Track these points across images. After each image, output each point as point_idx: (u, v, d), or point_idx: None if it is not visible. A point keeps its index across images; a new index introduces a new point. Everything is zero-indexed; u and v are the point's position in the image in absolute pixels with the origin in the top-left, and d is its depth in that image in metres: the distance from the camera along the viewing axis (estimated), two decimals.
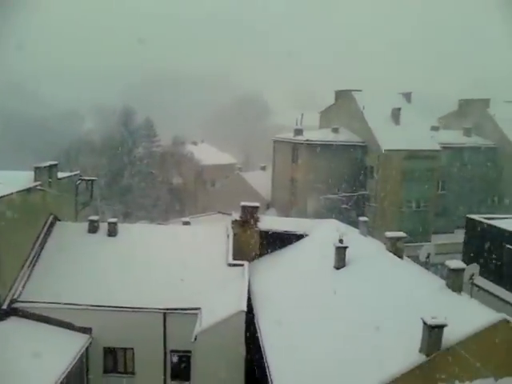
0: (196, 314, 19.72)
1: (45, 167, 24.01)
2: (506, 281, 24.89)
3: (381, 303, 16.41)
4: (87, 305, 20.34)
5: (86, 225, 24.62)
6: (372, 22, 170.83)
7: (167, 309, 20.56)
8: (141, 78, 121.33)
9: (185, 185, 65.77)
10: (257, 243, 24.57)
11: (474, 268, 19.37)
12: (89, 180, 29.42)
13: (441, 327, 12.66)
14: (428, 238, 45.95)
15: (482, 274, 23.14)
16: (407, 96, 52.28)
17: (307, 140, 46.19)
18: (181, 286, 21.19)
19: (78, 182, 28.38)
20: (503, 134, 52.13)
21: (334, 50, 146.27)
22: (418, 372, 12.73)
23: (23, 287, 20.97)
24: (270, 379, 15.27)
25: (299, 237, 25.01)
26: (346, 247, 20.02)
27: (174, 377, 21.22)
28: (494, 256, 25.83)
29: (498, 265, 25.59)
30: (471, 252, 27.71)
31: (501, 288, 24.87)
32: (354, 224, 26.14)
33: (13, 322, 19.68)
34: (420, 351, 12.98)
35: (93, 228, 24.42)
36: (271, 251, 24.71)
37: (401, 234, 20.72)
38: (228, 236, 24.48)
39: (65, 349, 18.79)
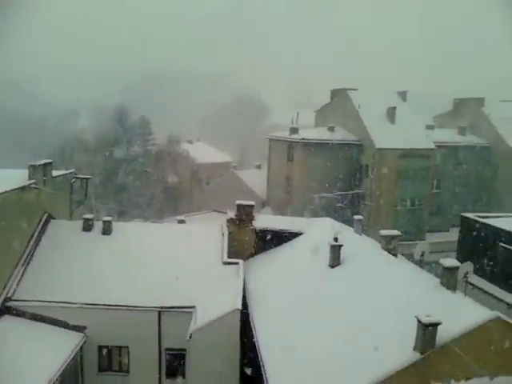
0: (191, 313, 19.71)
1: (39, 165, 23.91)
2: (500, 279, 24.99)
3: (375, 301, 16.45)
4: (82, 303, 20.31)
5: (80, 223, 24.55)
6: (372, 22, 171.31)
7: (162, 307, 20.53)
8: (140, 78, 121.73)
9: (180, 183, 65.71)
10: (252, 242, 24.56)
11: (468, 266, 19.40)
12: (83, 178, 29.32)
13: (435, 325, 12.71)
14: (422, 237, 46.13)
15: (476, 272, 23.19)
16: (402, 95, 52.38)
17: (303, 138, 46.23)
18: (176, 284, 21.18)
19: (73, 180, 28.26)
20: (498, 132, 52.37)
21: (334, 50, 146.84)
22: (413, 370, 12.78)
23: (17, 286, 20.90)
24: (265, 377, 15.29)
25: (294, 235, 25.02)
26: (340, 246, 20.07)
27: (169, 375, 21.22)
28: (488, 254, 25.93)
29: (492, 263, 25.69)
30: (465, 250, 27.81)
31: (495, 286, 24.97)
32: (349, 222, 26.18)
33: (6, 321, 19.60)
34: (414, 349, 13.02)
35: (87, 226, 24.35)
36: (266, 250, 24.69)
37: (395, 232, 20.76)
38: (223, 234, 24.47)
39: (59, 347, 18.74)
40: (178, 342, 19.83)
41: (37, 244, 23.07)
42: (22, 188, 22.08)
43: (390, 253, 19.91)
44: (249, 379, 18.66)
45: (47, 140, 67.03)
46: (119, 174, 58.69)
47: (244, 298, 19.73)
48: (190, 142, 76.44)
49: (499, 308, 16.89)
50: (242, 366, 18.72)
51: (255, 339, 17.55)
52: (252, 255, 24.42)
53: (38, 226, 23.72)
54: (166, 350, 21.00)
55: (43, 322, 20.01)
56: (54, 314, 20.14)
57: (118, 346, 21.02)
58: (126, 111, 62.95)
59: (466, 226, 28.91)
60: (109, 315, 20.30)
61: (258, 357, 16.60)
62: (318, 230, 23.92)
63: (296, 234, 25.03)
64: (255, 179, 54.55)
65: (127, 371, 21.15)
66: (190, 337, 18.08)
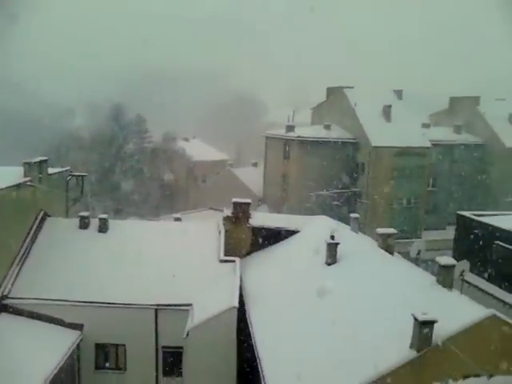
0: (188, 310, 19.71)
1: (35, 163, 23.83)
2: (496, 277, 25.12)
3: (371, 299, 16.49)
4: (78, 301, 20.27)
5: (76, 221, 24.49)
6: (372, 22, 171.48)
7: (159, 305, 20.52)
8: (139, 77, 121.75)
9: (176, 181, 65.57)
10: (248, 239, 24.56)
11: (465, 264, 19.58)
12: (79, 176, 29.25)
13: (431, 323, 12.75)
14: (419, 235, 46.32)
15: (472, 270, 23.41)
16: (398, 93, 52.46)
17: (299, 136, 46.26)
18: (172, 282, 21.15)
19: (69, 177, 28.19)
20: (493, 131, 52.55)
21: (334, 50, 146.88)
22: (409, 368, 12.83)
23: (13, 284, 20.83)
24: (261, 375, 15.31)
25: (291, 233, 25.04)
26: (337, 244, 20.09)
27: (166, 373, 21.21)
28: (484, 252, 26.05)
29: (488, 261, 25.82)
30: (462, 248, 27.95)
31: (491, 284, 25.11)
32: (346, 220, 26.23)
33: (3, 319, 19.54)
34: (411, 347, 13.06)
35: (83, 224, 24.30)
36: (263, 247, 24.70)
37: (392, 230, 20.82)
38: (219, 232, 24.47)
39: (56, 345, 18.70)
40: (174, 340, 19.86)
41: (33, 242, 22.99)
42: (18, 185, 22.00)
43: (386, 251, 19.96)
44: (246, 377, 18.69)
45: (43, 138, 66.88)
46: (115, 171, 58.52)
47: (240, 295, 19.75)
48: (186, 139, 76.26)
49: (495, 306, 16.99)
50: (239, 364, 18.74)
51: (252, 337, 17.57)
52: (248, 253, 24.43)
53: (33, 224, 23.64)
54: (163, 347, 20.99)
55: (40, 319, 19.95)
56: (51, 311, 20.09)
57: (115, 344, 20.99)
58: (122, 109, 62.76)
59: (462, 224, 29.06)
60: (105, 313, 20.28)
61: (254, 355, 16.62)
62: (315, 228, 23.95)
63: (292, 232, 25.05)
64: (251, 177, 54.55)
65: (124, 369, 21.15)
66: (187, 335, 18.10)
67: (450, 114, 57.24)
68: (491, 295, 24.23)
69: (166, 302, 20.52)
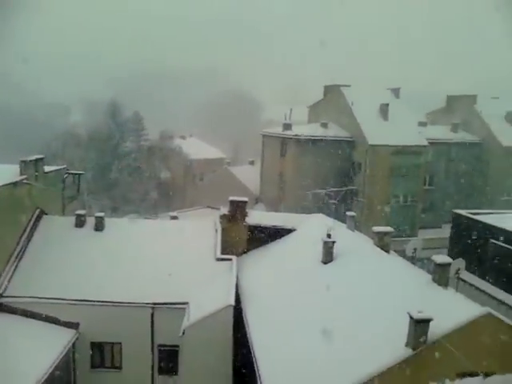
0: (184, 309, 19.70)
1: (31, 161, 23.78)
2: (491, 275, 25.19)
3: (367, 297, 16.53)
4: (74, 299, 20.24)
5: (72, 219, 24.44)
6: (374, 23, 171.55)
7: (155, 303, 20.52)
8: (138, 76, 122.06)
9: (173, 179, 65.53)
10: (245, 238, 24.59)
11: (460, 263, 19.62)
12: (76, 174, 29.20)
13: (427, 321, 12.80)
14: (415, 233, 46.36)
15: (467, 268, 23.46)
16: (396, 92, 52.43)
17: (296, 135, 46.19)
18: (169, 280, 21.15)
19: (65, 175, 28.13)
20: (490, 130, 52.58)
21: (336, 50, 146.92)
22: (405, 366, 12.87)
23: (9, 282, 20.78)
24: (257, 373, 15.33)
25: (287, 231, 25.07)
26: (333, 242, 20.13)
27: (162, 371, 21.22)
28: (479, 251, 26.13)
29: (484, 260, 25.89)
30: (457, 247, 28.01)
31: (486, 282, 25.18)
32: (342, 219, 26.25)
33: None
34: (406, 345, 13.11)
35: (80, 222, 24.26)
36: (259, 246, 24.74)
37: (388, 228, 20.85)
38: (216, 230, 24.46)
39: (51, 344, 18.66)
40: (170, 339, 19.87)
41: (29, 240, 22.95)
42: (14, 184, 21.95)
43: (382, 249, 20.00)
44: (242, 375, 18.70)
45: (40, 135, 66.83)
46: (112, 169, 58.41)
47: (237, 294, 19.76)
48: (183, 137, 76.19)
49: (490, 304, 17.02)
50: (235, 362, 18.75)
51: (248, 336, 17.58)
52: (245, 251, 24.47)
53: (29, 222, 23.59)
54: (159, 346, 20.98)
55: (35, 318, 19.91)
56: (47, 310, 20.05)
57: (111, 343, 20.99)
58: (119, 106, 62.67)
59: (458, 222, 29.12)
60: (101, 311, 20.27)
61: (250, 353, 16.63)
62: (311, 227, 23.99)
63: (289, 231, 25.10)
64: (248, 175, 54.50)
65: (120, 367, 21.14)
66: (183, 333, 18.08)
67: (446, 113, 57.26)
68: (487, 293, 24.30)
69: (163, 301, 20.52)
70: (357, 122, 46.57)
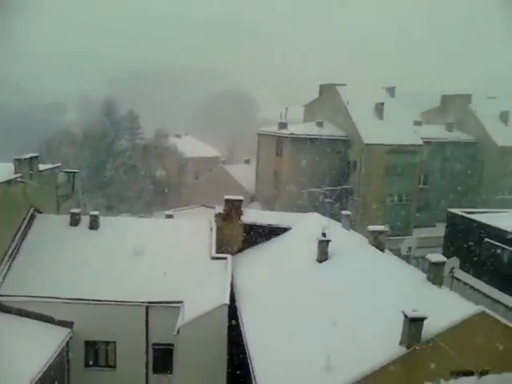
0: (179, 308, 19.66)
1: (25, 159, 23.69)
2: (486, 274, 25.29)
3: (362, 296, 16.56)
4: (68, 298, 20.18)
5: (67, 217, 24.35)
6: (378, 22, 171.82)
7: (150, 302, 20.48)
8: (140, 77, 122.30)
9: (168, 178, 65.38)
10: (240, 236, 24.56)
11: (454, 262, 19.63)
12: (70, 172, 29.10)
13: (421, 320, 12.83)
14: (410, 232, 46.47)
15: (462, 267, 23.49)
16: (391, 91, 52.51)
17: (291, 134, 46.19)
18: (164, 279, 21.10)
19: (60, 174, 28.01)
20: (484, 129, 52.79)
21: (343, 50, 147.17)
22: (399, 364, 12.90)
23: (3, 281, 20.68)
24: (252, 372, 15.32)
25: (282, 230, 25.07)
26: (328, 241, 20.14)
27: (156, 370, 21.17)
28: (473, 250, 26.21)
29: (478, 258, 25.98)
30: (452, 246, 28.10)
31: (480, 281, 25.27)
32: (337, 218, 26.28)
33: None
34: (401, 343, 13.14)
35: (74, 221, 24.17)
36: (255, 245, 24.72)
37: (383, 227, 20.88)
38: (211, 229, 24.43)
39: (45, 343, 18.59)
40: (165, 337, 19.84)
41: (23, 238, 22.84)
42: (8, 182, 21.86)
43: (377, 248, 20.03)
44: (236, 374, 18.69)
45: (38, 134, 66.76)
46: (107, 168, 58.23)
47: (232, 292, 19.74)
48: (178, 136, 76.04)
49: (484, 303, 17.06)
50: (230, 361, 18.73)
51: (243, 335, 17.57)
52: (240, 250, 24.44)
53: (24, 221, 23.48)
54: (154, 345, 20.95)
55: (29, 317, 19.84)
56: (41, 309, 19.98)
57: (105, 341, 20.95)
58: (114, 104, 62.48)
59: (453, 221, 29.20)
60: (96, 310, 20.22)
61: (245, 352, 16.62)
62: (306, 226, 23.99)
63: (284, 229, 25.09)
64: (244, 174, 54.46)
65: (114, 366, 21.08)
66: (178, 332, 18.05)
67: (441, 112, 57.41)
68: (481, 292, 24.40)
69: (157, 300, 20.47)
70: (352, 121, 46.62)
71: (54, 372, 18.33)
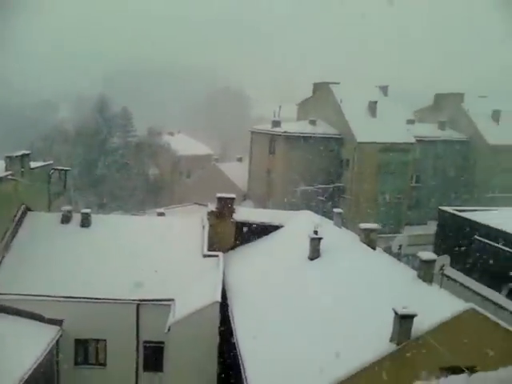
0: (170, 305, 19.62)
1: (16, 156, 23.54)
2: (476, 272, 25.41)
3: (353, 293, 16.60)
4: (59, 296, 20.08)
5: (58, 215, 24.23)
6: (378, 23, 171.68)
7: (140, 300, 20.42)
8: (140, 77, 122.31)
9: (161, 175, 65.24)
10: (232, 234, 24.54)
11: (445, 259, 19.74)
12: (62, 170, 28.94)
13: (411, 317, 12.90)
14: (401, 230, 46.66)
15: (452, 265, 23.62)
16: (384, 89, 52.65)
17: (284, 132, 46.21)
18: (155, 277, 21.03)
19: (51, 171, 27.86)
20: (476, 128, 53.11)
21: (342, 50, 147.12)
22: (389, 361, 12.95)
23: None
24: (243, 370, 15.32)
25: (275, 228, 25.08)
26: (320, 238, 20.17)
27: (147, 368, 21.09)
28: (464, 247, 26.33)
29: (468, 256, 26.09)
30: (442, 243, 28.20)
31: (470, 279, 25.38)
32: (329, 216, 26.33)
33: None
34: (391, 340, 13.19)
35: (66, 218, 24.06)
36: (247, 242, 24.70)
37: (374, 225, 20.95)
38: (203, 227, 24.40)
39: (34, 341, 18.48)
40: (156, 335, 19.79)
41: (13, 236, 22.71)
42: None
43: (368, 245, 20.09)
44: (227, 372, 18.69)
45: (29, 131, 66.59)
46: (99, 165, 58.00)
47: (224, 290, 19.72)
48: (171, 133, 75.75)
49: (474, 300, 17.18)
50: (221, 359, 18.73)
51: (234, 333, 17.56)
52: (232, 248, 24.42)
53: (14, 218, 23.32)
54: (144, 342, 20.90)
55: (19, 315, 19.70)
56: (31, 307, 19.86)
57: (96, 339, 20.86)
58: (107, 102, 62.24)
59: (444, 219, 29.32)
60: (86, 308, 20.13)
61: (236, 350, 16.62)
62: (298, 223, 24.01)
63: (276, 227, 25.10)
64: (236, 172, 54.41)
65: (104, 364, 21.02)
66: (169, 330, 18.01)
67: (434, 111, 57.66)
68: (471, 289, 24.50)
69: (148, 297, 20.42)
70: (345, 119, 46.73)
71: (43, 370, 18.21)
